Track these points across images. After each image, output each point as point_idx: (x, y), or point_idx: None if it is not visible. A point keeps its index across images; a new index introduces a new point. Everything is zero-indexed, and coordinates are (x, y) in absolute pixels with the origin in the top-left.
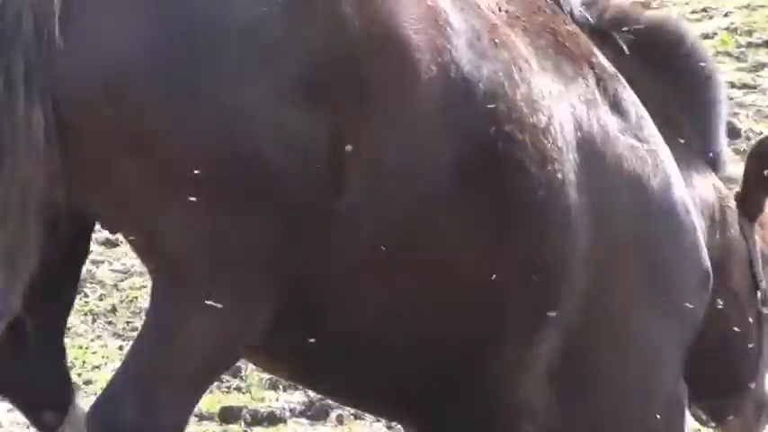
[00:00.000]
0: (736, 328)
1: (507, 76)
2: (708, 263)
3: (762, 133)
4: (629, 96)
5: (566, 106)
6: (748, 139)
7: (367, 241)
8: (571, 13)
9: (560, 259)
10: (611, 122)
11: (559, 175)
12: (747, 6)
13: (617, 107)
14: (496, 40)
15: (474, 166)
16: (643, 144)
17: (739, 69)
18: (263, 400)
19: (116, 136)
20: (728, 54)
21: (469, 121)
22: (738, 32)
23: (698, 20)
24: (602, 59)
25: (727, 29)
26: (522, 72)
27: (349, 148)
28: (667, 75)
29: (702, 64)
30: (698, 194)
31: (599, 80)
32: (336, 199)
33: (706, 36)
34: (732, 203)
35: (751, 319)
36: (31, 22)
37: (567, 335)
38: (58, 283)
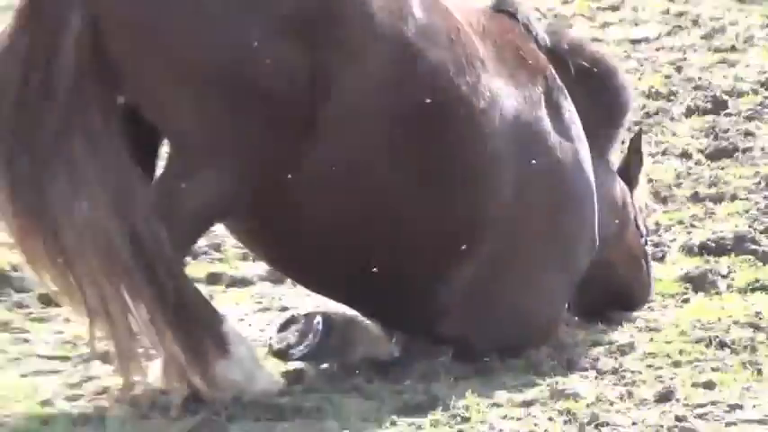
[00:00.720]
0: (634, 271)
1: (455, 64)
2: (596, 236)
3: None
4: (567, 105)
5: (510, 102)
6: None
7: (328, 159)
8: (536, 37)
9: (482, 203)
10: (547, 120)
11: (489, 147)
12: None
13: (556, 110)
14: (453, 38)
15: (411, 122)
16: (569, 142)
17: (591, 27)
18: (237, 268)
19: (144, 42)
20: (582, 15)
21: (412, 86)
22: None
23: None
24: (554, 74)
25: None
26: (474, 68)
27: (325, 80)
28: (597, 97)
29: (624, 96)
30: (609, 188)
31: (548, 88)
32: (313, 115)
33: (566, 1)
34: (629, 193)
35: (642, 260)
36: None
37: (480, 263)
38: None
